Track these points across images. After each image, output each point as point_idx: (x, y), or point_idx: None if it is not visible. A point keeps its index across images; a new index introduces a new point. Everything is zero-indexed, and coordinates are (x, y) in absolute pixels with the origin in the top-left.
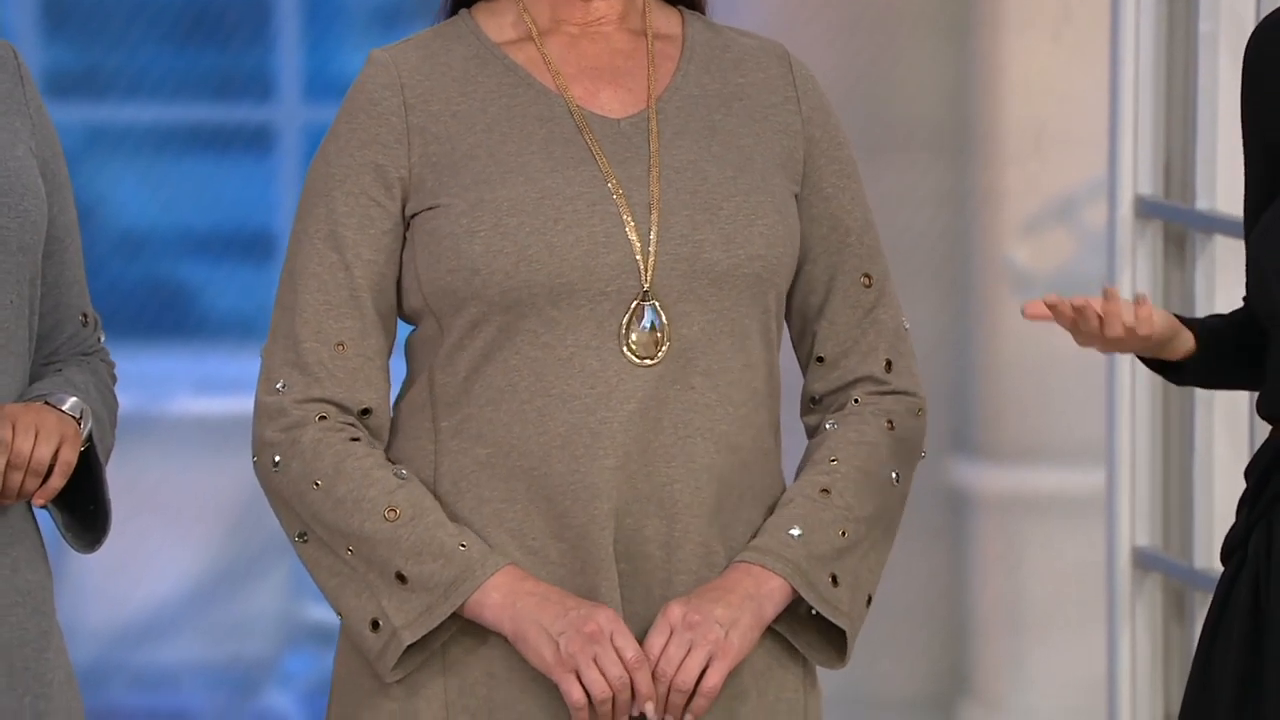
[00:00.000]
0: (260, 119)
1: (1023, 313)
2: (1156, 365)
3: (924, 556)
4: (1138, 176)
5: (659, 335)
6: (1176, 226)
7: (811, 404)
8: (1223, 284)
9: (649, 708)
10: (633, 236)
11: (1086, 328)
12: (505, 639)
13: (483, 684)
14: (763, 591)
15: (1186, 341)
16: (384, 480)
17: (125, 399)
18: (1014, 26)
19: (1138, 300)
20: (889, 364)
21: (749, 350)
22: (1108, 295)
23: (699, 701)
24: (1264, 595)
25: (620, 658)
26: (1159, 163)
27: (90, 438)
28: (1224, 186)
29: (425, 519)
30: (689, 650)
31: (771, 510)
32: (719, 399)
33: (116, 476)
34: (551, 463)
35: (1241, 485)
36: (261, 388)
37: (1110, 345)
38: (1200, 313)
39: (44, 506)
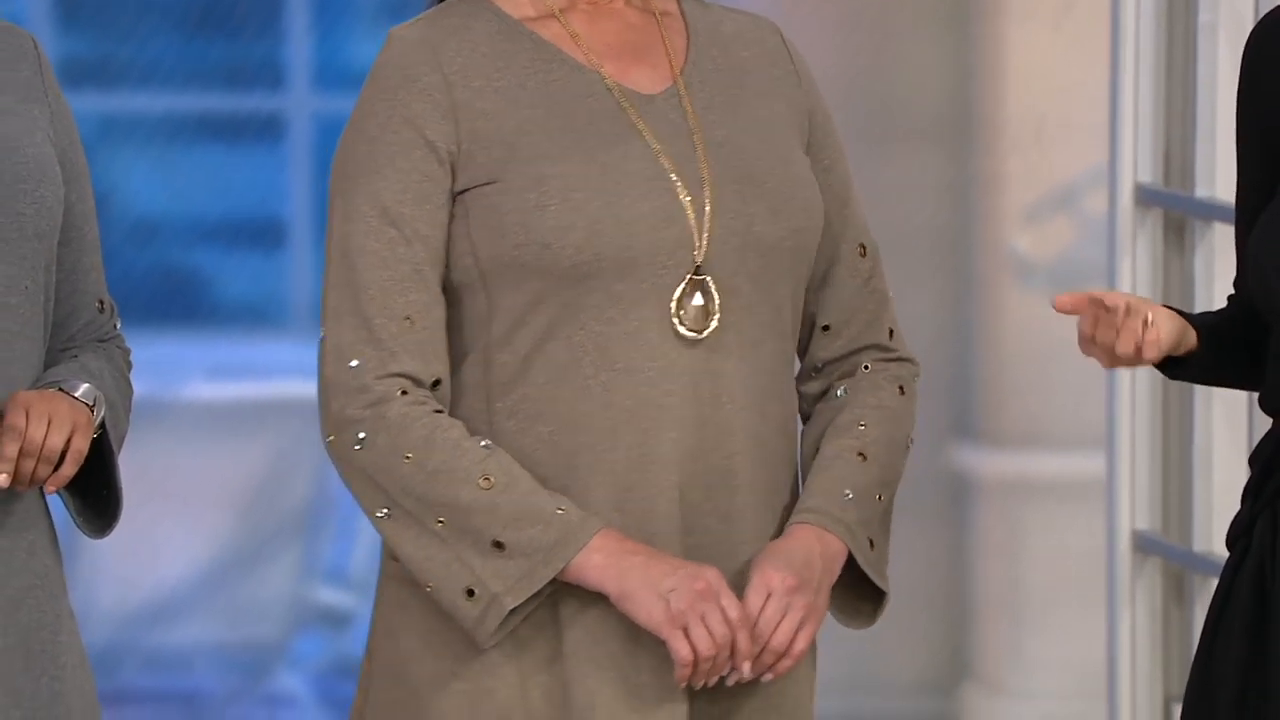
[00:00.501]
0: (271, 108)
1: (1054, 305)
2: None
3: (925, 541)
4: (1138, 165)
5: (709, 309)
6: (1176, 214)
7: (814, 371)
8: (1221, 271)
9: (746, 666)
10: (689, 211)
11: (1104, 337)
12: (574, 612)
13: (554, 660)
14: (830, 553)
15: (1190, 340)
16: (474, 450)
17: (138, 385)
18: (1015, 16)
19: (1149, 322)
20: (891, 332)
21: (782, 320)
22: (1130, 311)
23: (785, 662)
24: (1270, 582)
25: (724, 616)
26: (1159, 151)
27: (103, 424)
28: (1223, 175)
29: (519, 485)
30: (784, 613)
31: (791, 474)
32: (758, 369)
33: (129, 462)
34: (618, 437)
35: (1240, 470)
36: (332, 367)
37: (1115, 361)
38: (1200, 298)
39: (56, 493)
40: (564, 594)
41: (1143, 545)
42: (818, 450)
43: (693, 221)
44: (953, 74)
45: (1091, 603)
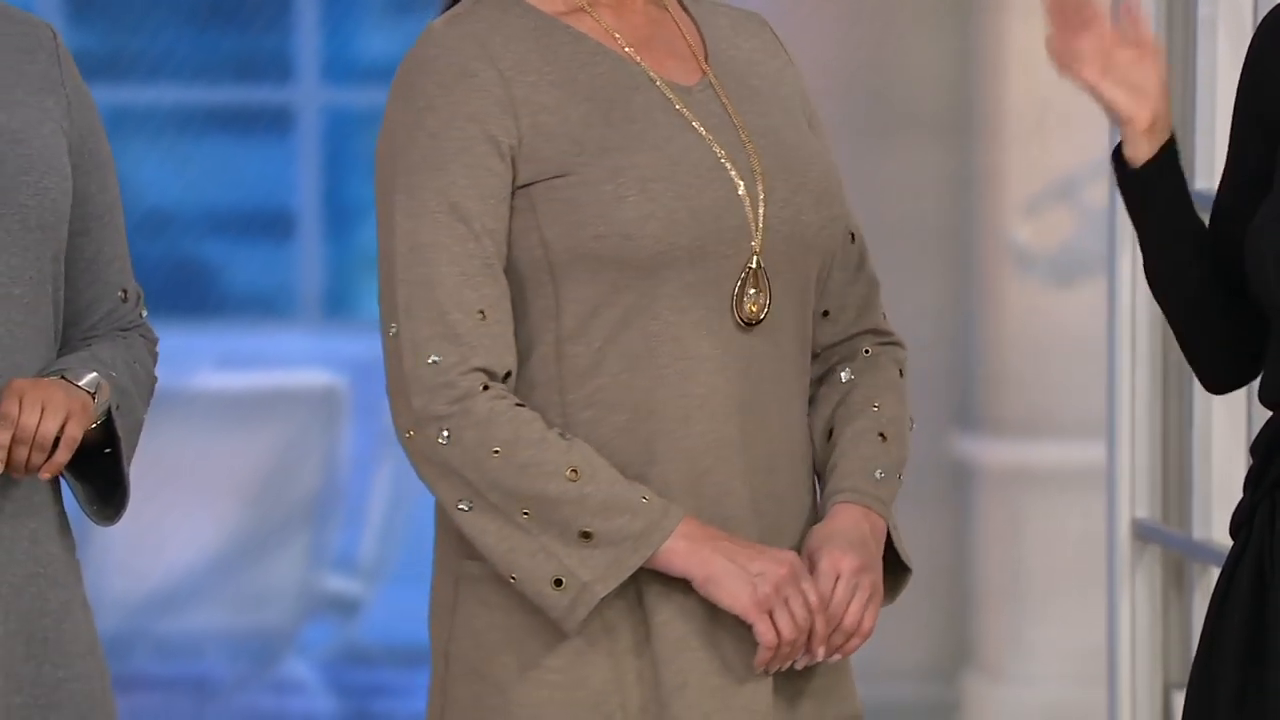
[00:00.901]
0: (280, 100)
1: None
2: (1119, 158)
3: (927, 528)
4: None
5: (762, 298)
6: None
7: (813, 356)
8: None
9: (820, 650)
10: (746, 201)
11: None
12: (659, 596)
13: (643, 644)
14: (877, 532)
15: (1161, 139)
16: (557, 443)
17: None
18: (1016, 10)
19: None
20: (883, 316)
21: (807, 305)
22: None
23: (854, 642)
24: (1268, 571)
25: (806, 600)
26: None
27: (109, 413)
28: (1222, 168)
29: (603, 475)
30: (854, 593)
31: (809, 458)
32: (793, 354)
33: (140, 451)
34: (691, 423)
35: (1240, 458)
36: (410, 362)
37: (1103, 72)
38: None
39: (65, 480)
40: (647, 578)
41: (1142, 533)
42: (830, 430)
43: (749, 211)
44: (954, 68)
45: (1091, 590)
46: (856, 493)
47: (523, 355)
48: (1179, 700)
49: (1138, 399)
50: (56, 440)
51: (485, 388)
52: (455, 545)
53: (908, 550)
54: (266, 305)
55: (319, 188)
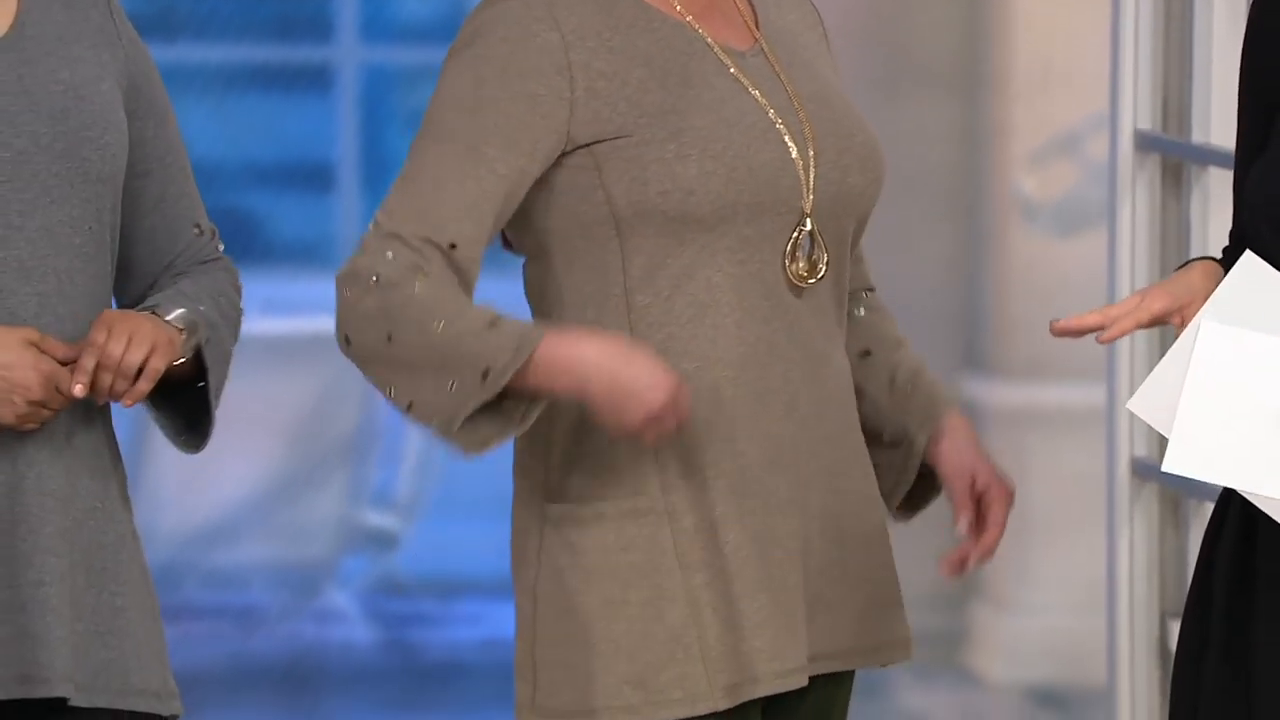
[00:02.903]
0: (320, 59)
1: (1051, 329)
2: None
3: None
4: (1137, 112)
5: (816, 258)
6: (1173, 159)
7: None
8: (1216, 212)
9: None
10: (798, 162)
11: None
12: (736, 537)
13: (717, 581)
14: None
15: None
16: (478, 312)
17: None
18: None
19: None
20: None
21: (844, 261)
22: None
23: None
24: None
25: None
26: (1157, 99)
27: (198, 348)
28: (1218, 121)
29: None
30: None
31: (854, 402)
32: (834, 307)
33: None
34: (747, 370)
35: None
36: (371, 245)
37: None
38: (1195, 238)
39: (105, 419)
40: (723, 519)
41: (1140, 471)
42: (868, 354)
43: (801, 174)
44: (963, 25)
45: (1092, 525)
46: (954, 404)
47: (594, 305)
48: (1175, 627)
49: (1136, 342)
50: (141, 371)
51: (426, 276)
52: (538, 489)
53: None
54: (308, 254)
55: (357, 142)
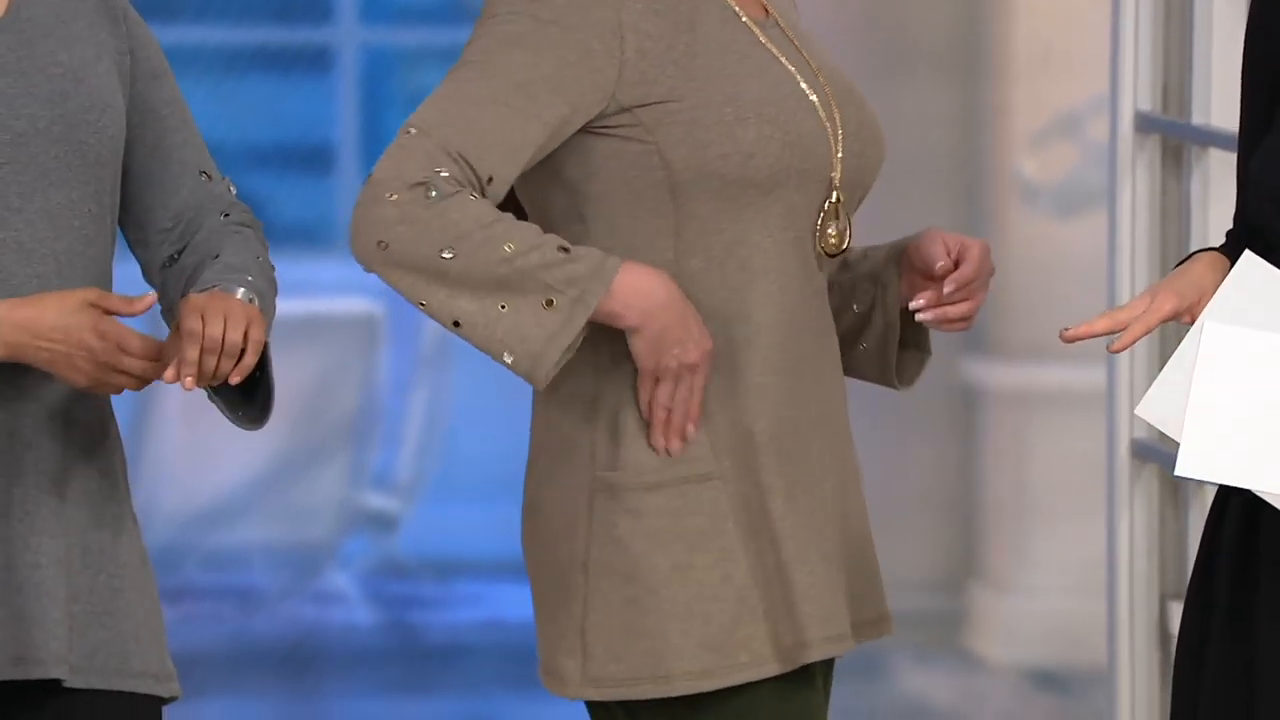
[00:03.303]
0: (320, 40)
1: (1061, 337)
2: None
3: (936, 448)
4: (1138, 93)
5: (843, 229)
6: (1174, 140)
7: None
8: (1216, 194)
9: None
10: (829, 134)
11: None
12: (783, 505)
13: (769, 549)
14: None
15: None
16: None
17: None
18: None
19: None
20: None
21: None
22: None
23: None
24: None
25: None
26: (1158, 80)
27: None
28: (1218, 103)
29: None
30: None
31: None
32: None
33: None
34: (789, 338)
35: None
36: (416, 160)
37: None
38: (1195, 220)
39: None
40: (770, 486)
41: (1140, 452)
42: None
43: (831, 144)
44: (963, 6)
45: (1092, 506)
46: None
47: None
48: (1175, 610)
49: None
50: (243, 348)
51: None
52: (584, 459)
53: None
54: (308, 236)
55: (357, 124)
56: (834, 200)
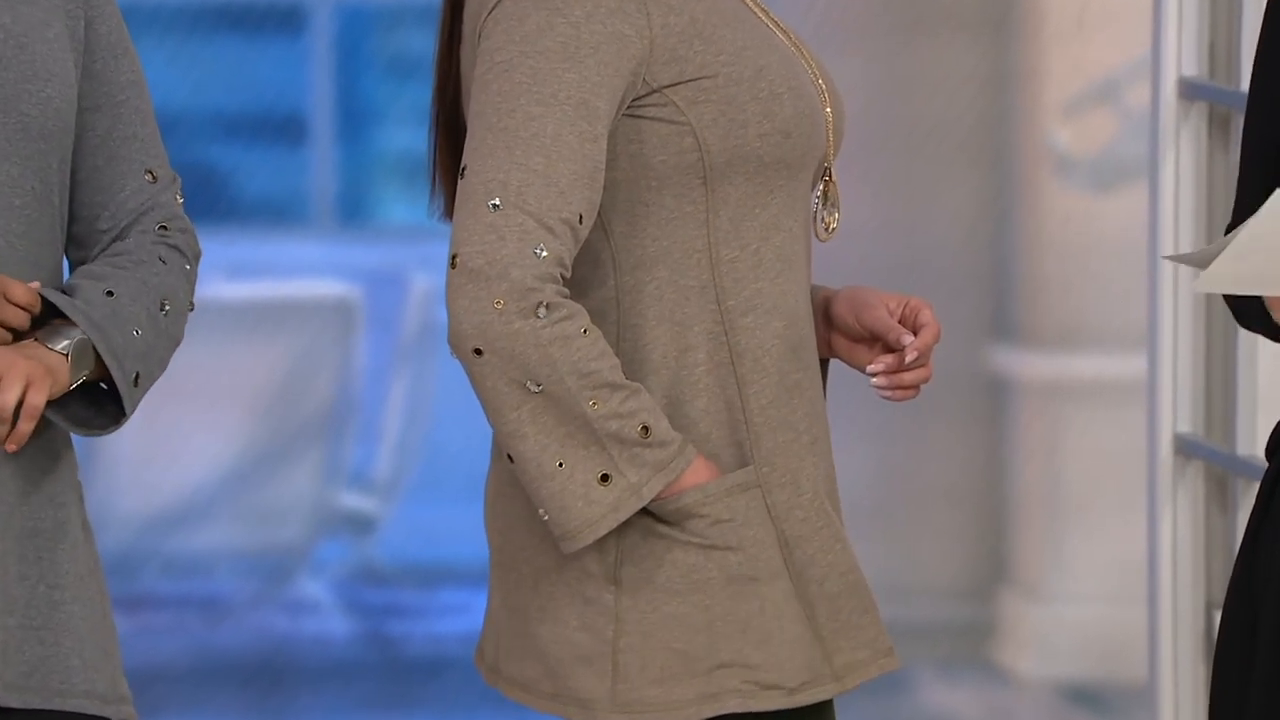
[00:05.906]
0: None
1: None
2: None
3: (962, 444)
4: (1182, 57)
5: (834, 209)
6: (1221, 108)
7: None
8: None
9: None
10: (826, 109)
11: None
12: (797, 534)
13: (806, 570)
14: None
15: None
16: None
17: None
18: None
19: None
20: None
21: None
22: None
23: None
24: None
25: None
26: (1203, 43)
27: (98, 355)
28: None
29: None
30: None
31: None
32: None
33: None
34: (805, 326)
35: None
36: (514, 247)
37: None
38: None
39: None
40: (812, 489)
41: (1184, 448)
42: None
43: (828, 124)
44: None
45: (1130, 505)
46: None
47: (667, 264)
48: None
49: (1180, 309)
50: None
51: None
52: None
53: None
54: (278, 212)
55: (332, 91)
56: (828, 181)
